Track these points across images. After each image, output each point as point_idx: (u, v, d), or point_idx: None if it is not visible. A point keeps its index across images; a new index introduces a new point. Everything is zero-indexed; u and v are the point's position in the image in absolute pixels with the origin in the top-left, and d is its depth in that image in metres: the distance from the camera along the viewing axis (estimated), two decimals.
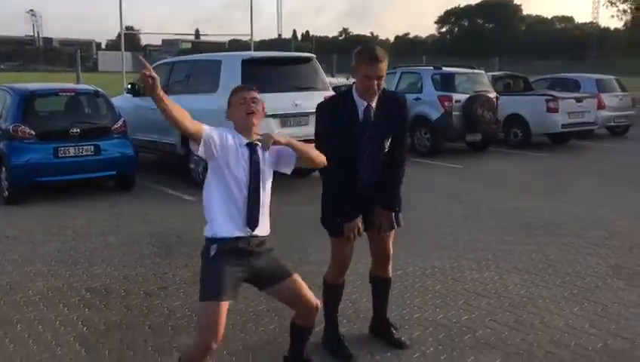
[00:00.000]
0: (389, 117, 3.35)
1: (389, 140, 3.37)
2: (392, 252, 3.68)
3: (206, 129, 2.80)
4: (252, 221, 2.90)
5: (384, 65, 3.21)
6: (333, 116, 3.34)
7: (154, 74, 2.50)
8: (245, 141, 2.90)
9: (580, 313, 4.21)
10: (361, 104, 3.29)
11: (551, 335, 3.86)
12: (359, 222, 3.39)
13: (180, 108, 2.71)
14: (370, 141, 3.32)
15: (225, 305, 2.81)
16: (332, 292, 3.64)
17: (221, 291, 2.80)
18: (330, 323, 3.68)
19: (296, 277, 3.06)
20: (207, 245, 2.90)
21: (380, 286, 3.76)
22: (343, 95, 3.44)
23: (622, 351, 3.63)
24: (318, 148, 3.12)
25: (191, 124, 2.74)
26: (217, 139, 2.82)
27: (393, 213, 3.49)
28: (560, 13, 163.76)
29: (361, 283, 4.40)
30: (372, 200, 3.43)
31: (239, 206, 2.88)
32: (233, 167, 2.85)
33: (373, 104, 3.31)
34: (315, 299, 3.10)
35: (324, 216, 3.48)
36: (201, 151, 2.79)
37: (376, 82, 3.21)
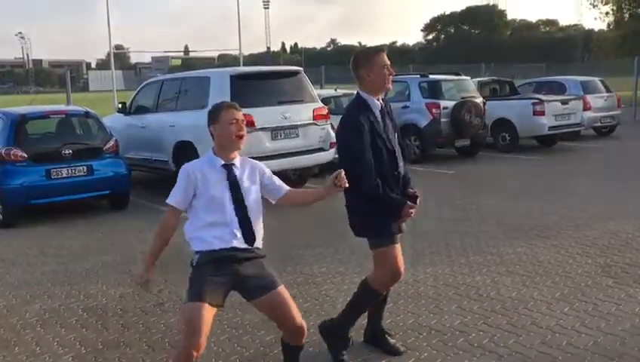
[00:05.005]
0: (390, 116, 3.52)
1: (397, 135, 3.53)
2: None
3: (178, 203, 3.04)
4: (248, 234, 3.04)
5: None
6: (360, 128, 3.28)
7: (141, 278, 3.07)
8: (221, 162, 3.04)
9: (570, 312, 4.28)
10: (375, 106, 3.39)
11: (543, 335, 3.92)
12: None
13: (160, 243, 3.07)
14: (391, 135, 3.44)
15: (206, 308, 2.87)
16: (370, 299, 3.62)
17: (201, 292, 2.91)
18: (344, 326, 3.67)
19: (283, 290, 3.07)
20: (193, 256, 3.08)
21: None
22: (354, 107, 3.41)
23: (612, 349, 3.69)
24: (349, 166, 3.12)
25: (172, 229, 3.07)
26: (192, 190, 3.01)
27: None
28: (544, 16, 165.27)
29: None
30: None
31: (226, 222, 3.00)
32: (214, 192, 3.00)
33: (381, 102, 3.45)
34: (300, 320, 3.10)
35: (373, 224, 3.40)
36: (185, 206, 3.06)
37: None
